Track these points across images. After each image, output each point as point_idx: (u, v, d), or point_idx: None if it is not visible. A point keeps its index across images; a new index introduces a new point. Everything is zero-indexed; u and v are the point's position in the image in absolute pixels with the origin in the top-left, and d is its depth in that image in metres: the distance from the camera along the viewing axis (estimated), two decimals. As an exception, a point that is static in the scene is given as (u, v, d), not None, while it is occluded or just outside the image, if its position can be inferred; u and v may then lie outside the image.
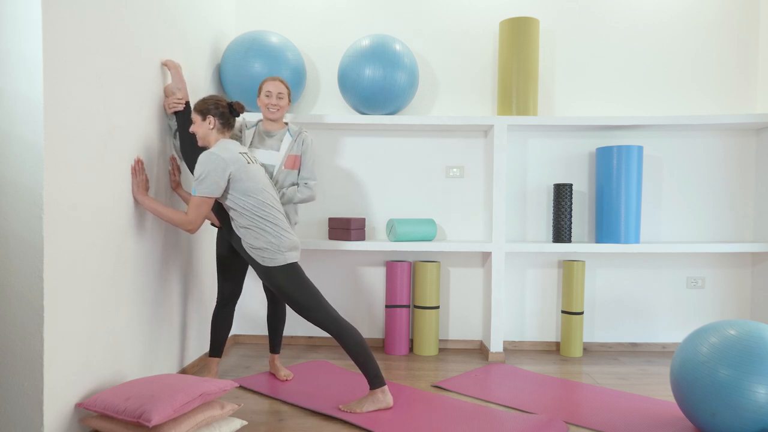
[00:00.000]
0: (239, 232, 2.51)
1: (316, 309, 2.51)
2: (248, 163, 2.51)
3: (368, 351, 2.51)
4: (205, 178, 2.39)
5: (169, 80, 2.74)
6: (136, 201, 2.43)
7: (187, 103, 2.69)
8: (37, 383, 1.83)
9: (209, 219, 2.71)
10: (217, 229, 2.88)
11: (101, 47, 2.12)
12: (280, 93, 2.85)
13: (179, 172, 2.83)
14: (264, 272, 2.52)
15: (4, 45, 1.80)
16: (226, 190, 2.47)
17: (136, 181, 2.39)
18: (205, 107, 2.54)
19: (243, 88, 3.36)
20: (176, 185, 2.81)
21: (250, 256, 2.52)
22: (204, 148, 2.66)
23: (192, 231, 2.45)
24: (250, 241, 2.49)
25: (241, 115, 2.91)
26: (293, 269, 2.53)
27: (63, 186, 1.90)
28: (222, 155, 2.42)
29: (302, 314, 2.52)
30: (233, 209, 2.49)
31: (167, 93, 2.69)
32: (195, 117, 2.56)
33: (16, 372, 1.84)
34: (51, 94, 1.83)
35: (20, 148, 1.81)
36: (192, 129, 2.58)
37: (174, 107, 2.66)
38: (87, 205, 2.04)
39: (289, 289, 2.50)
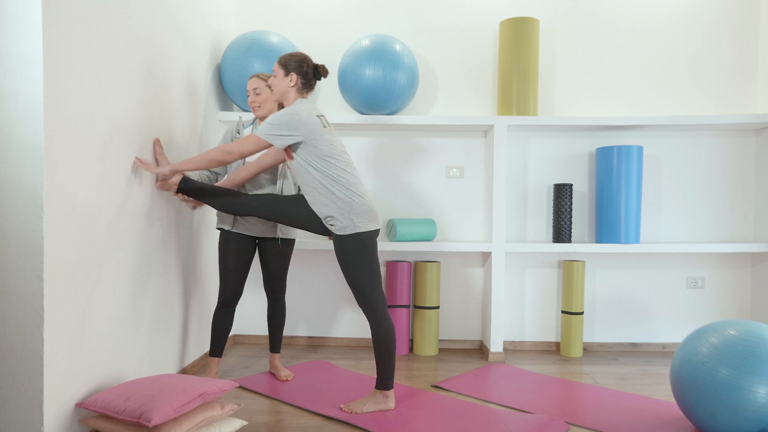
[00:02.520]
0: (310, 198, 2.46)
1: (364, 293, 2.46)
2: (324, 126, 2.46)
3: (392, 351, 2.48)
4: (275, 127, 2.36)
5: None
6: (165, 178, 2.49)
7: (184, 179, 2.58)
8: (37, 383, 1.83)
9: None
10: (220, 231, 2.88)
11: (101, 47, 2.12)
12: (255, 89, 2.82)
13: None
14: (334, 240, 2.48)
15: (4, 45, 1.80)
16: (298, 152, 2.42)
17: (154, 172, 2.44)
18: (290, 63, 2.49)
19: (243, 88, 3.36)
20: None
21: (325, 228, 2.50)
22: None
23: (227, 161, 2.40)
24: (319, 208, 2.44)
25: (239, 117, 2.90)
26: (360, 241, 2.44)
27: (63, 186, 1.90)
28: (302, 117, 2.38)
29: (351, 289, 2.49)
30: (305, 171, 2.43)
31: (164, 188, 2.58)
32: (277, 70, 2.52)
33: (16, 372, 1.84)
34: (51, 94, 1.83)
35: (20, 148, 1.81)
36: (270, 82, 2.54)
37: (185, 200, 2.65)
38: (87, 205, 2.04)
39: (347, 260, 2.44)
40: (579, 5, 3.75)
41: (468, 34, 3.78)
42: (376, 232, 2.49)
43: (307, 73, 2.50)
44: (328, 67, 3.78)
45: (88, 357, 2.07)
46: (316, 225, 2.53)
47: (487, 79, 3.78)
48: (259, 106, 2.84)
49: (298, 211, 2.53)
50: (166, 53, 2.71)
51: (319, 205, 2.44)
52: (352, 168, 2.50)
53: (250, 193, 2.80)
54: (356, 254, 2.44)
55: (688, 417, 2.27)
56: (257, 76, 2.85)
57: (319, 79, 2.57)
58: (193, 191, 2.58)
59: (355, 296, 2.49)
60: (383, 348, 2.47)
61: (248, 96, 2.86)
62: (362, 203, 2.44)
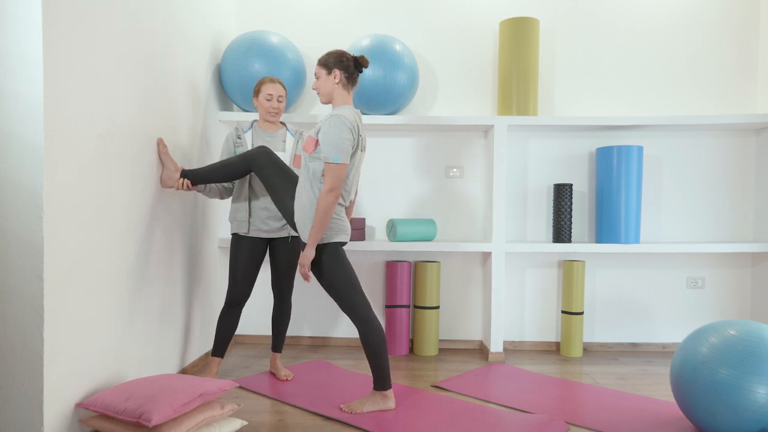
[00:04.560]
0: (300, 195, 2.47)
1: (342, 297, 2.47)
2: (353, 147, 2.48)
3: (384, 352, 2.49)
4: (343, 145, 2.36)
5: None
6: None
7: (183, 171, 2.64)
8: (37, 383, 1.83)
9: (168, 184, 2.65)
10: (232, 235, 2.89)
11: (101, 47, 2.12)
12: (280, 96, 2.86)
13: None
14: (295, 245, 2.50)
15: (4, 45, 1.80)
16: (317, 153, 2.43)
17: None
18: (330, 60, 2.48)
19: (243, 88, 3.36)
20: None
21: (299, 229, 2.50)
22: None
23: (338, 196, 2.39)
24: (305, 211, 2.44)
25: (237, 122, 2.91)
26: (330, 249, 2.46)
27: (63, 186, 1.90)
28: (351, 120, 2.41)
29: (332, 297, 2.50)
30: (309, 172, 2.44)
31: (168, 184, 2.63)
32: (319, 71, 2.51)
33: (16, 372, 1.84)
34: (51, 94, 1.83)
35: (20, 148, 1.81)
36: (314, 86, 2.53)
37: (189, 189, 2.65)
38: (87, 205, 2.04)
39: (321, 269, 2.46)
40: (579, 5, 3.75)
41: (468, 34, 3.78)
42: (343, 243, 2.51)
43: (348, 66, 2.48)
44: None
45: (88, 357, 2.07)
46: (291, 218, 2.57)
47: (487, 79, 3.78)
48: (279, 113, 2.88)
49: (290, 200, 2.56)
50: (166, 53, 2.71)
51: (305, 208, 2.45)
52: (348, 192, 2.51)
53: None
54: (327, 262, 2.45)
55: (688, 417, 2.27)
56: (279, 82, 2.88)
57: (361, 71, 2.55)
58: (197, 177, 2.63)
59: (336, 303, 2.50)
60: (373, 350, 2.47)
61: (268, 101, 2.84)
62: (340, 224, 2.49)
